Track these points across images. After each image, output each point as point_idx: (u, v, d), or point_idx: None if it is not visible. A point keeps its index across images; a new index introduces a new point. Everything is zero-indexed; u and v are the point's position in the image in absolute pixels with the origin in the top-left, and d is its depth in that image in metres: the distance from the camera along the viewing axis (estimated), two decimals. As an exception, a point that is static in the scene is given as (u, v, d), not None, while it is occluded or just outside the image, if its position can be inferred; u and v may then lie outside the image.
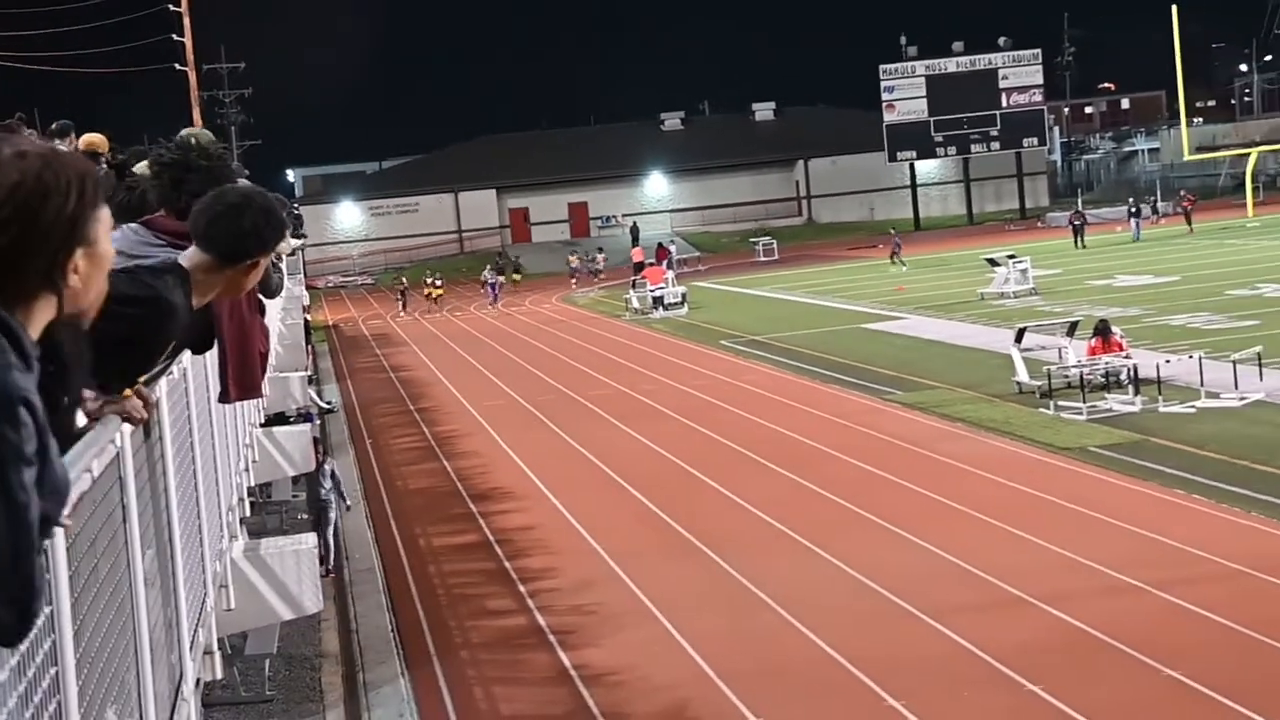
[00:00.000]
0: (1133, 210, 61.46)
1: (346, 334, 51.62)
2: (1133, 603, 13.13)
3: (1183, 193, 69.07)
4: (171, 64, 57.41)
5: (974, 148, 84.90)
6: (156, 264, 4.14)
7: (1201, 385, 22.24)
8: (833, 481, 19.21)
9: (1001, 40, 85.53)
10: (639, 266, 54.51)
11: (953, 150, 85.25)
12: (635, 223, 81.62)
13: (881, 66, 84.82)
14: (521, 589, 15.59)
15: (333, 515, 17.83)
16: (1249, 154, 73.68)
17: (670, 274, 50.31)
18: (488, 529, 18.62)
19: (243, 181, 6.43)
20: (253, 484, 13.84)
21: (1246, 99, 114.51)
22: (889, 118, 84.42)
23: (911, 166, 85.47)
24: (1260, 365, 22.98)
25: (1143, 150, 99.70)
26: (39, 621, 2.82)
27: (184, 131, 6.10)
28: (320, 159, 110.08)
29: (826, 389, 27.42)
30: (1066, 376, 23.56)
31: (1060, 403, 22.55)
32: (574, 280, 65.14)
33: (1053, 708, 10.83)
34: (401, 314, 55.83)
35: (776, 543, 16.40)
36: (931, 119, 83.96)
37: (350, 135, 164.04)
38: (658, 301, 46.61)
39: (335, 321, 56.49)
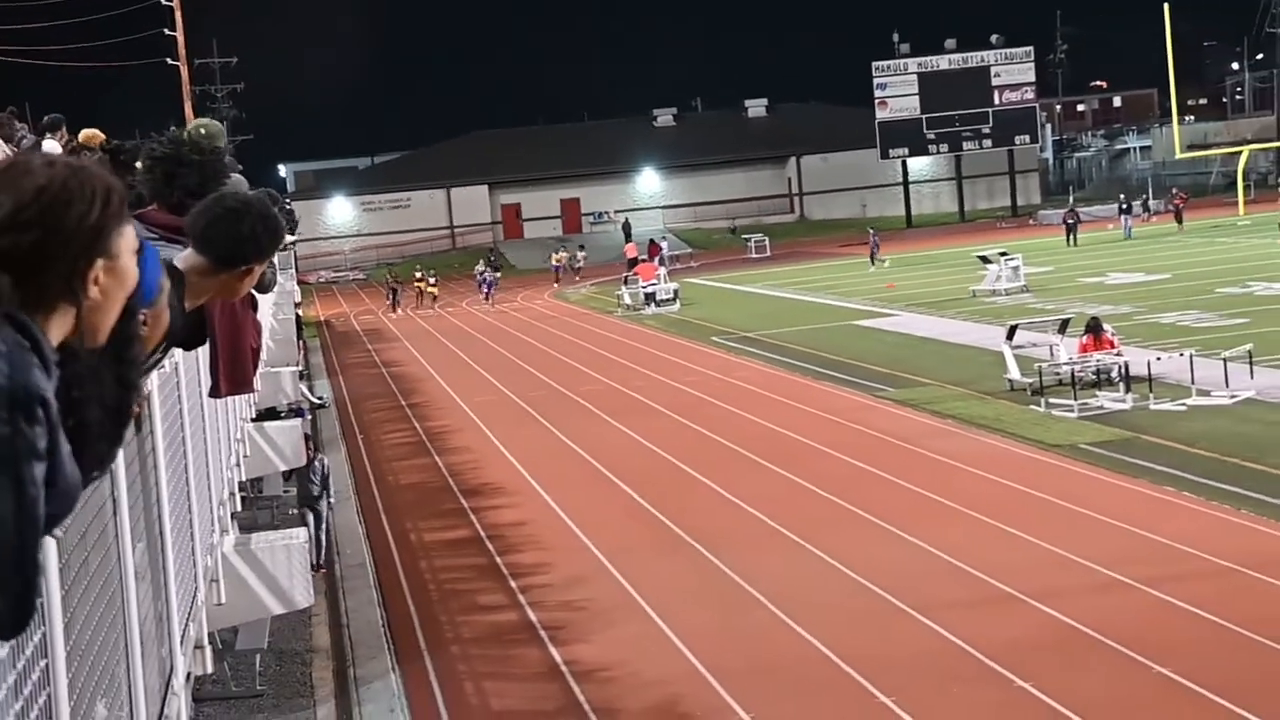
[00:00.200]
0: (1123, 207, 61.54)
1: (338, 329, 51.57)
2: (1123, 599, 13.15)
3: (1174, 190, 69.16)
4: (163, 59, 57.35)
5: (966, 145, 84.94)
6: None
7: (1192, 383, 22.28)
8: (824, 478, 19.22)
9: (994, 38, 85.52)
10: (632, 262, 54.45)
11: (945, 147, 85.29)
12: (627, 219, 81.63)
13: (874, 63, 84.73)
14: (512, 584, 15.60)
15: (323, 510, 17.84)
16: (1240, 152, 73.79)
17: (662, 270, 50.39)
18: (479, 524, 18.62)
19: (237, 177, 6.42)
20: (244, 479, 13.85)
21: (1238, 97, 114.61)
22: (881, 115, 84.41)
23: (904, 163, 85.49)
24: (1251, 363, 23.04)
25: (1134, 148, 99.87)
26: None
27: (193, 122, 6.08)
28: (312, 154, 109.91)
29: (818, 385, 27.44)
30: (1058, 374, 23.60)
31: (1051, 400, 22.59)
32: (557, 282, 62.32)
33: (1042, 704, 10.85)
34: (393, 313, 55.54)
35: (767, 539, 16.42)
36: (924, 116, 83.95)
37: (342, 131, 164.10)
38: (650, 298, 46.61)
39: (327, 317, 56.43)
